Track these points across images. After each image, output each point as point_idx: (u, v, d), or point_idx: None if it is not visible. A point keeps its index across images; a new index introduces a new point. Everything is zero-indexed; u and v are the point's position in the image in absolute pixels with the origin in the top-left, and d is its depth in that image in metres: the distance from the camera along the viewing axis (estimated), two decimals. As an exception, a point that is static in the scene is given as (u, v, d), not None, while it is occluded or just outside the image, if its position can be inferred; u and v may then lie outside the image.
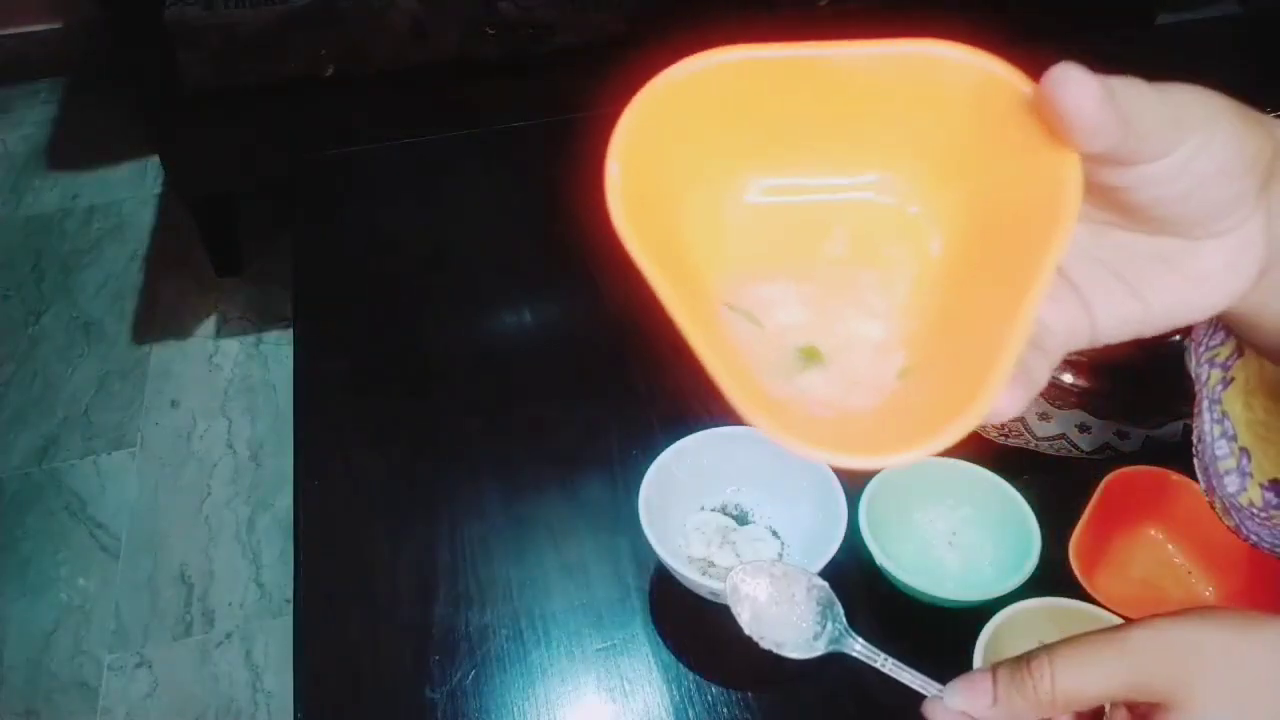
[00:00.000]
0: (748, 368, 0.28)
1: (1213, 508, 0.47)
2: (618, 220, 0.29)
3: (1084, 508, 0.64)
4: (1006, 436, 0.74)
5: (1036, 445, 0.74)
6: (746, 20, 1.84)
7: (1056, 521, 0.63)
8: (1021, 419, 0.76)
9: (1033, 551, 0.61)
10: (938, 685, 0.42)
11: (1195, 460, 0.48)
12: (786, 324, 0.31)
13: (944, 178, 0.30)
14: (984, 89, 0.28)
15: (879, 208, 0.31)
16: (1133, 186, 0.29)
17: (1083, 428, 0.75)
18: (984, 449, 0.73)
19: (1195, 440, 0.47)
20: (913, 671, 0.46)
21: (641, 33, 1.75)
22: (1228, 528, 0.47)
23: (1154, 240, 0.30)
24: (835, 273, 0.31)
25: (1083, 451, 0.74)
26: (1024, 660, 0.37)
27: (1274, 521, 0.45)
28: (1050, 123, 0.27)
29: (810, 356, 0.30)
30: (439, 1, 1.64)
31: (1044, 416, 0.76)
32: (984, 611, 0.58)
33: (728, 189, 0.31)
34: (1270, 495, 0.44)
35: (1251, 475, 0.45)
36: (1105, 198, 0.30)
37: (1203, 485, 0.47)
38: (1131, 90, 0.27)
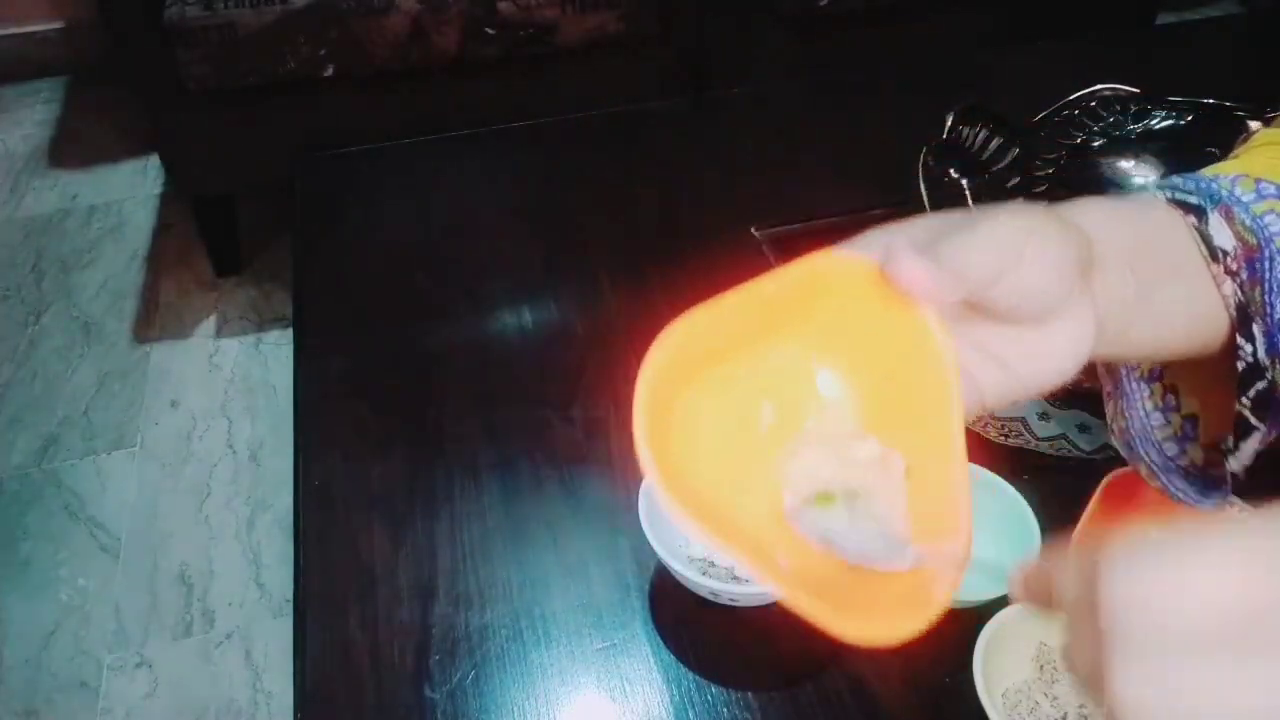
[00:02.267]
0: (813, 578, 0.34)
1: (1138, 473, 0.51)
2: (664, 499, 0.32)
3: (1084, 508, 0.64)
4: (1006, 436, 0.75)
5: (1036, 445, 0.74)
6: (747, 20, 1.84)
7: (1056, 521, 0.63)
8: (1022, 419, 0.76)
9: (1033, 551, 0.61)
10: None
11: (1114, 437, 0.51)
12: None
13: (851, 344, 0.38)
14: (862, 278, 0.36)
15: (803, 380, 0.38)
16: (987, 300, 0.36)
17: (1083, 428, 0.75)
18: (984, 449, 0.73)
19: (1115, 417, 0.50)
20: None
21: (641, 33, 1.75)
22: (1155, 489, 0.50)
23: (1015, 329, 0.38)
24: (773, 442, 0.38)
25: (1083, 451, 0.74)
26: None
27: (1211, 471, 0.48)
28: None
29: (825, 500, 0.37)
30: (439, 1, 1.64)
31: (1044, 416, 0.76)
32: (984, 611, 0.58)
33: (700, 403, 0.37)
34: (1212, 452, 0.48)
35: (1195, 439, 0.48)
36: (972, 306, 0.37)
37: (1127, 456, 0.50)
38: (958, 249, 0.35)
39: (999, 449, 0.74)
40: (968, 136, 0.83)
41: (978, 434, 0.75)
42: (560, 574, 0.67)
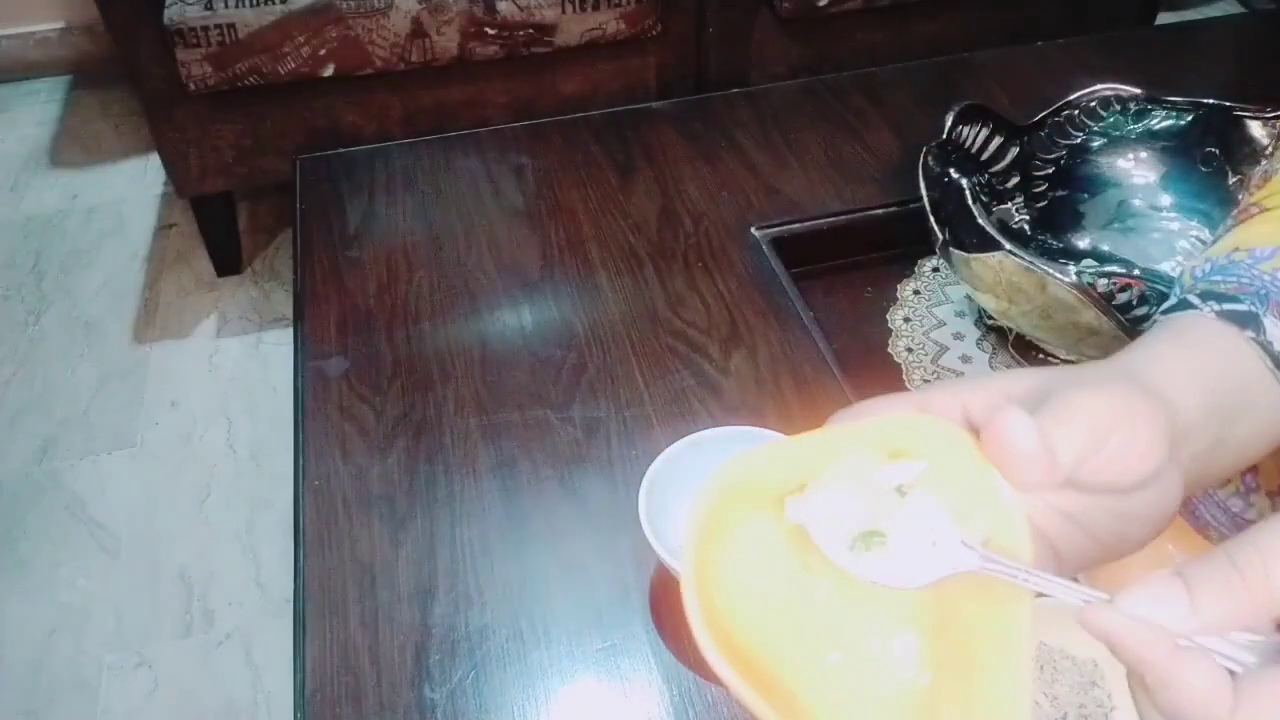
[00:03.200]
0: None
1: (1209, 539, 0.49)
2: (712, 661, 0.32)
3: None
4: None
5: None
6: (748, 20, 1.84)
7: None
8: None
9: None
10: (1102, 595, 0.32)
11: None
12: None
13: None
14: (943, 433, 0.35)
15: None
16: (1072, 479, 0.35)
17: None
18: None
19: None
20: (1059, 580, 0.33)
21: (641, 33, 1.75)
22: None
23: (1104, 499, 0.36)
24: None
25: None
26: (1222, 553, 0.30)
27: None
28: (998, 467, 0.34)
29: (870, 539, 0.34)
30: (439, 1, 1.64)
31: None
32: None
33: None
34: None
35: (1258, 489, 0.48)
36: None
37: (1192, 524, 0.50)
38: (1047, 430, 0.34)
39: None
40: (968, 136, 0.83)
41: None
42: (560, 574, 0.67)
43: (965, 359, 0.81)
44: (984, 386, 0.37)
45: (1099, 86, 0.85)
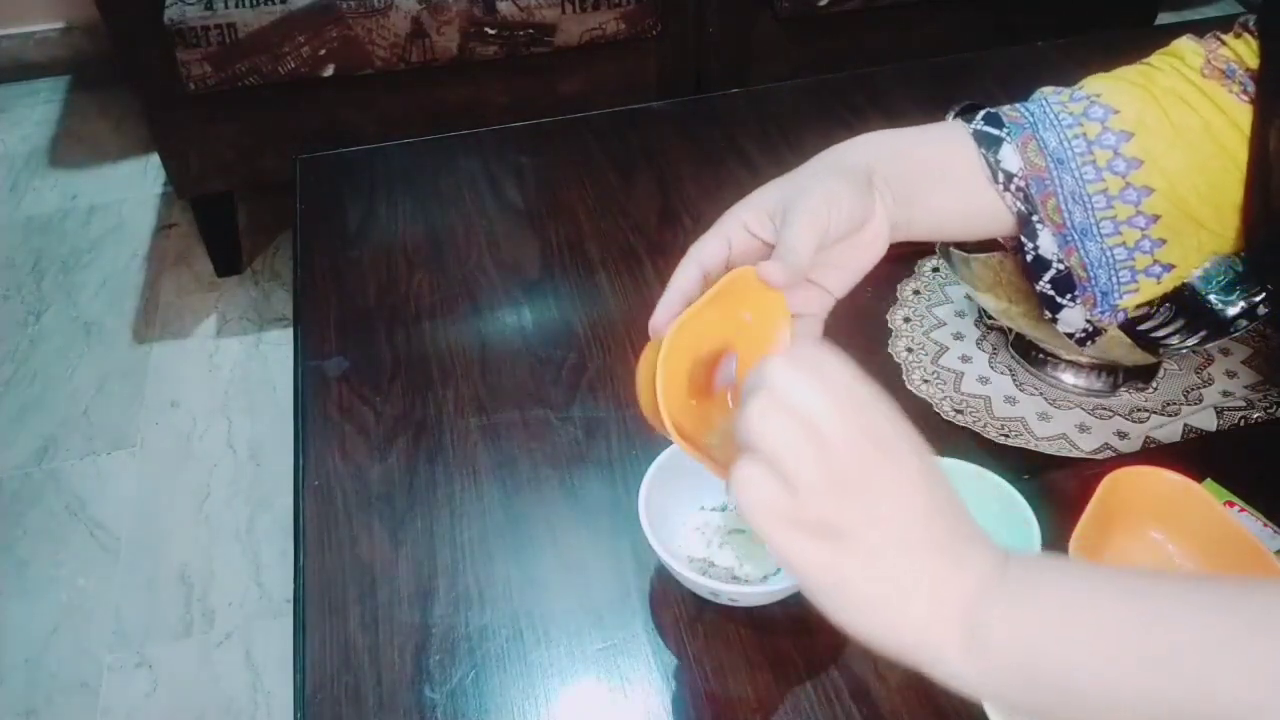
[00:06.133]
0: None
1: (1099, 321, 0.62)
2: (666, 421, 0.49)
3: (1084, 508, 0.64)
4: (1006, 436, 0.75)
5: (1036, 445, 0.74)
6: (748, 20, 1.84)
7: (1056, 521, 0.63)
8: (1021, 419, 0.76)
9: (1033, 551, 0.61)
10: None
11: (1079, 295, 0.61)
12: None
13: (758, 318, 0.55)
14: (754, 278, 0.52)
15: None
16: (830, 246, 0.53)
17: (1082, 428, 0.75)
18: (984, 449, 0.73)
19: (1081, 266, 0.60)
20: None
21: (641, 33, 1.76)
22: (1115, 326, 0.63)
23: (850, 241, 0.54)
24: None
25: (1083, 451, 0.74)
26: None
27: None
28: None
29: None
30: (439, 1, 1.64)
31: (1044, 416, 0.76)
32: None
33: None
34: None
35: (1176, 266, 0.59)
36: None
37: (1101, 306, 0.60)
38: (789, 248, 0.50)
39: (999, 449, 0.74)
40: (968, 136, 0.83)
41: (977, 434, 0.75)
42: (560, 574, 0.67)
43: (965, 359, 0.81)
44: (749, 205, 0.54)
45: (1099, 86, 0.84)
